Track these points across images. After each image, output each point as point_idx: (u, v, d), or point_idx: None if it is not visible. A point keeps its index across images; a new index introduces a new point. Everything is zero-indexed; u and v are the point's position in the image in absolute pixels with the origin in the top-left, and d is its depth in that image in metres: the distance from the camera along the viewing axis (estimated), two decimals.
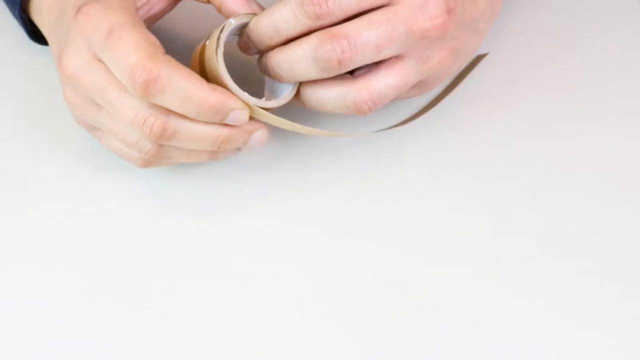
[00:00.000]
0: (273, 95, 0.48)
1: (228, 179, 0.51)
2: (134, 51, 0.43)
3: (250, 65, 0.50)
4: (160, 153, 0.46)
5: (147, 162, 0.47)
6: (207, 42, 0.46)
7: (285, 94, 0.47)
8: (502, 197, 0.51)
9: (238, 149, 0.48)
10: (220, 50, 0.45)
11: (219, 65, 0.45)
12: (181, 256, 0.48)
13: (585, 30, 0.58)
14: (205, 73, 0.46)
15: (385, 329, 0.46)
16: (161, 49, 0.44)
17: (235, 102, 0.45)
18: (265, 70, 0.47)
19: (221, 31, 0.45)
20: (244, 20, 0.46)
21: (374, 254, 0.48)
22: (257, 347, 0.45)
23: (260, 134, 0.47)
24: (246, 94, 0.45)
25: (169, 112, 0.44)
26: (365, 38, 0.44)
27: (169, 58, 0.44)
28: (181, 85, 0.43)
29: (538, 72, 0.56)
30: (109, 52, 0.43)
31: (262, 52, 0.47)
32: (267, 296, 0.47)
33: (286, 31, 0.45)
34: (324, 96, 0.47)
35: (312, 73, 0.45)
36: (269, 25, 0.45)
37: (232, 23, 0.46)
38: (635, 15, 0.59)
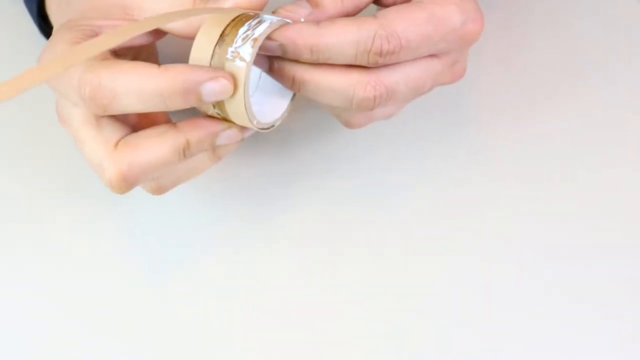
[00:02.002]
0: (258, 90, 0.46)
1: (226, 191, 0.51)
2: (73, 73, 0.40)
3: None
4: (159, 185, 0.45)
5: (155, 191, 0.45)
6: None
7: (282, 110, 0.45)
8: (508, 211, 0.51)
9: (240, 141, 0.44)
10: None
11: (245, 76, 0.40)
12: (174, 280, 0.48)
13: (585, 30, 0.58)
14: None
15: (386, 334, 0.46)
16: (101, 55, 0.41)
17: (198, 72, 0.40)
18: (275, 75, 0.44)
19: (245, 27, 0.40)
20: (275, 21, 0.41)
21: (378, 266, 0.49)
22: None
23: (231, 132, 0.43)
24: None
25: (120, 150, 0.42)
26: (401, 92, 0.43)
27: (110, 61, 0.41)
28: (129, 81, 0.39)
29: (537, 74, 0.56)
30: (59, 90, 0.42)
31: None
32: (267, 305, 0.47)
33: (335, 60, 0.42)
34: (326, 85, 0.43)
35: (336, 104, 0.43)
36: (320, 48, 0.41)
37: (273, 23, 0.40)
38: (636, 15, 0.59)
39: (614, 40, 0.58)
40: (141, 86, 0.39)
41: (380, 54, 0.41)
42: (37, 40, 0.54)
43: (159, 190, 0.45)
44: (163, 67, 0.40)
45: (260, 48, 0.41)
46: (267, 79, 0.46)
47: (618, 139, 0.53)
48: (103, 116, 0.42)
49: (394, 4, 0.44)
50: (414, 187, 0.51)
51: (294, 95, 0.46)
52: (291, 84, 0.44)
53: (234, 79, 0.40)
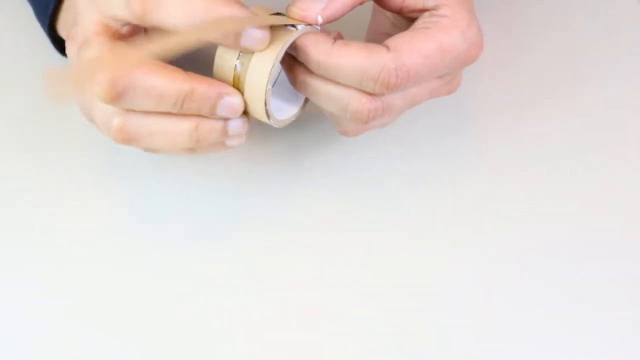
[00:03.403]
0: (276, 86, 0.47)
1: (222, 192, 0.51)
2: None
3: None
4: (126, 125, 0.43)
5: (119, 133, 0.43)
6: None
7: (294, 111, 0.47)
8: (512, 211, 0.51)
9: (221, 145, 0.45)
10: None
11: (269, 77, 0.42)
12: (174, 280, 0.48)
13: (585, 30, 0.58)
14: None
15: (387, 334, 0.46)
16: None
17: (248, 18, 0.41)
18: (284, 67, 0.45)
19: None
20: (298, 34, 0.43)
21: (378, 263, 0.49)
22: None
23: (235, 100, 0.43)
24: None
25: (127, 56, 0.41)
26: (396, 106, 0.45)
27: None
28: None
29: (537, 75, 0.56)
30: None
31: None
32: (266, 304, 0.47)
33: (342, 81, 0.43)
34: (324, 91, 0.44)
35: (332, 110, 0.45)
36: (327, 67, 0.43)
37: (300, 30, 0.43)
38: (635, 15, 0.59)
39: (614, 40, 0.58)
40: (192, 1, 0.40)
41: (387, 87, 0.42)
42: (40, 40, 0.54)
43: (122, 132, 0.43)
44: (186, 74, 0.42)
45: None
46: (285, 83, 0.47)
47: (619, 139, 0.53)
48: (118, 38, 0.43)
49: (401, 9, 0.45)
50: (414, 187, 0.51)
51: (305, 104, 0.47)
52: (294, 81, 0.45)
53: (276, 40, 0.42)
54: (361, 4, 0.44)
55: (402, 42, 0.43)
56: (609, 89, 0.55)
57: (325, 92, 0.44)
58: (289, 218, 0.50)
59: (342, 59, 0.42)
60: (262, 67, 0.42)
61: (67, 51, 0.45)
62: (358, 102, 0.43)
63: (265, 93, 0.43)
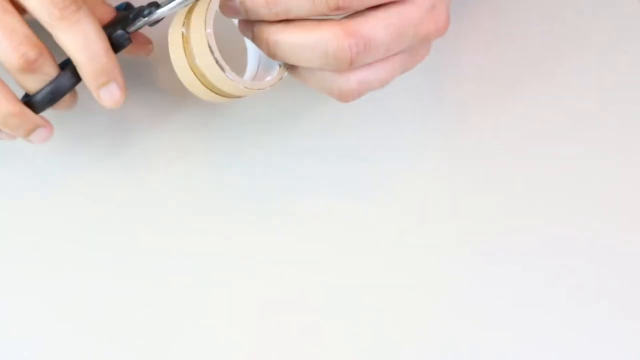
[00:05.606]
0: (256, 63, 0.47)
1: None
2: None
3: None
4: None
5: None
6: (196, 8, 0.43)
7: (274, 75, 0.45)
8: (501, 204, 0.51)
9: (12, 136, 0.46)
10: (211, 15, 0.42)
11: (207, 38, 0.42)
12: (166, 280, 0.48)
13: (584, 30, 0.58)
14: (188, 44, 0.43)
15: (385, 333, 0.46)
16: None
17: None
18: (255, 42, 0.44)
19: None
20: None
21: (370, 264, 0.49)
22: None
23: (45, 130, 0.46)
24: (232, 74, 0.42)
25: None
26: (380, 40, 0.42)
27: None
28: None
29: (534, 76, 0.56)
30: None
31: (253, 20, 0.43)
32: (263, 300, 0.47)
33: (296, 14, 0.42)
34: (298, 42, 0.42)
35: (315, 63, 0.43)
36: (277, 2, 0.42)
37: None
38: (636, 15, 0.59)
39: (613, 40, 0.58)
40: None
41: None
42: None
43: None
44: None
45: (226, 9, 0.43)
46: (262, 59, 0.46)
47: (619, 139, 0.53)
48: None
49: None
50: (406, 187, 0.51)
51: (282, 73, 0.45)
52: (267, 49, 0.43)
53: None
54: None
55: None
56: (609, 89, 0.55)
57: (299, 44, 0.42)
58: (286, 218, 0.50)
59: None
60: (200, 13, 0.42)
61: None
62: (336, 39, 0.41)
63: (206, 37, 0.42)
